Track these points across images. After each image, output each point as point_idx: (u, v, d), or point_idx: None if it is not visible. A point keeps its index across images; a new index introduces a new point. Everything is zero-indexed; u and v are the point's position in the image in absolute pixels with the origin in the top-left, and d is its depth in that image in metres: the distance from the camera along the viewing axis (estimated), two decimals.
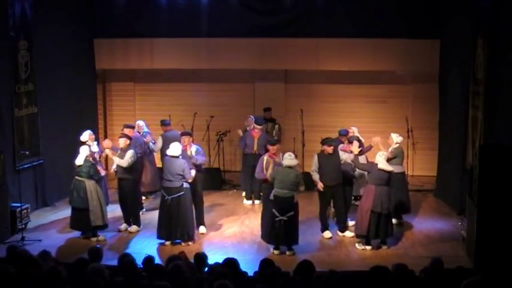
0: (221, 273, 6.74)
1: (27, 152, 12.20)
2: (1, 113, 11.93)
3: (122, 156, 11.45)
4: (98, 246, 8.44)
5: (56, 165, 13.40)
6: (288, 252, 10.48)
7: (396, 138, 11.94)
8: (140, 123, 13.71)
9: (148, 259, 7.53)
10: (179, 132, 12.55)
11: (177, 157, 10.98)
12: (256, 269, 7.46)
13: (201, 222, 11.63)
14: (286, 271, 7.43)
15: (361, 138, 12.83)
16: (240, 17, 15.03)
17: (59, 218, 12.44)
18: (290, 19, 15.06)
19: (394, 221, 11.21)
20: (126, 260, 7.15)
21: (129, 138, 11.73)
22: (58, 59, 13.61)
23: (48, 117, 13.23)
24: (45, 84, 13.12)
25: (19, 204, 11.46)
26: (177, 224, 10.81)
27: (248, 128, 13.82)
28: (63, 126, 13.70)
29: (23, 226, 11.43)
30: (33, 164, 12.78)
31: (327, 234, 11.36)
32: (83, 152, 11.19)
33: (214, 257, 9.05)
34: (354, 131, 12.90)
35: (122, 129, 12.51)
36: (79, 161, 11.12)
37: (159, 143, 13.09)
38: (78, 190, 11.00)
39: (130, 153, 11.42)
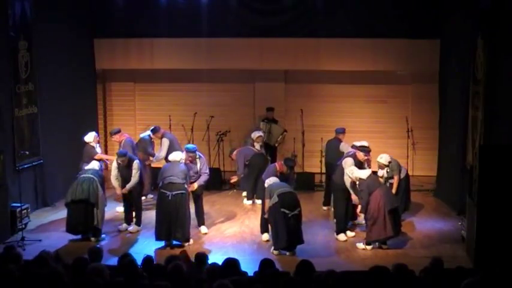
0: (221, 273, 6.74)
1: (27, 152, 12.18)
2: (1, 113, 11.92)
3: (126, 173, 11.48)
4: (98, 246, 8.46)
5: (56, 165, 13.40)
6: (287, 253, 10.47)
7: (385, 161, 11.65)
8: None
9: (148, 259, 7.55)
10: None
11: (179, 162, 11.09)
12: (256, 269, 7.46)
13: (202, 222, 11.64)
14: (286, 271, 7.44)
15: (366, 144, 12.70)
16: (240, 17, 15.02)
17: (59, 218, 12.42)
18: (290, 19, 15.02)
19: None
20: (126, 260, 7.17)
21: (125, 154, 11.63)
22: (58, 59, 13.60)
23: (48, 117, 13.22)
24: (45, 84, 13.11)
25: (19, 204, 11.46)
26: (176, 223, 10.76)
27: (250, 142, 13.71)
28: (63, 126, 13.71)
29: (23, 226, 11.43)
30: (33, 164, 12.76)
31: (342, 237, 11.17)
32: (94, 162, 11.57)
33: (215, 257, 9.06)
34: (364, 144, 12.62)
35: (112, 136, 12.62)
36: (92, 166, 11.43)
37: (165, 145, 13.00)
38: (85, 184, 10.98)
39: (135, 169, 11.45)
